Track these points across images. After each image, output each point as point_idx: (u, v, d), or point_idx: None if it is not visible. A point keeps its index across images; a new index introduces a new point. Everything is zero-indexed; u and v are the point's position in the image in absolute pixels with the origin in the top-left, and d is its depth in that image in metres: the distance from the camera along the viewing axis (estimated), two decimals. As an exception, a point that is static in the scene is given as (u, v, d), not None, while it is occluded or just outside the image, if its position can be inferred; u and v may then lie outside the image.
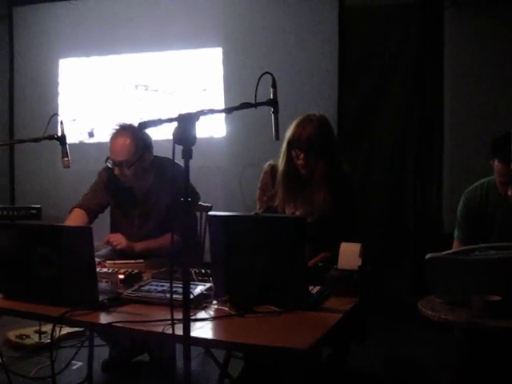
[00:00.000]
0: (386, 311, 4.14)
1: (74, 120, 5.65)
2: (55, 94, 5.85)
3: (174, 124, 1.68)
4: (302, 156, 2.75)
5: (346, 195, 2.81)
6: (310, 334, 1.79)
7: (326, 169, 2.77)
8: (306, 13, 4.93)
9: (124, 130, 3.04)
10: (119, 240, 2.99)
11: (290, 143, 2.77)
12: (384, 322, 4.03)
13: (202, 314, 2.03)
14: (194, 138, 1.66)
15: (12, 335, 3.86)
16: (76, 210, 3.14)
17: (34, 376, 3.30)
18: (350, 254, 2.29)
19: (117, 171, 3.03)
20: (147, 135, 3.07)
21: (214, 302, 2.14)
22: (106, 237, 3.01)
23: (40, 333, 3.79)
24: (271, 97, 2.17)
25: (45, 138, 3.00)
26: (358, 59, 4.96)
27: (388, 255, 4.78)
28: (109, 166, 3.07)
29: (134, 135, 3.00)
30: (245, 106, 2.00)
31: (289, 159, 2.81)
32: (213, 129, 5.11)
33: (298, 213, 2.83)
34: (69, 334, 3.75)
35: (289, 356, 1.72)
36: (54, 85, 5.87)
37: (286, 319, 1.97)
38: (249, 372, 2.81)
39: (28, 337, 3.84)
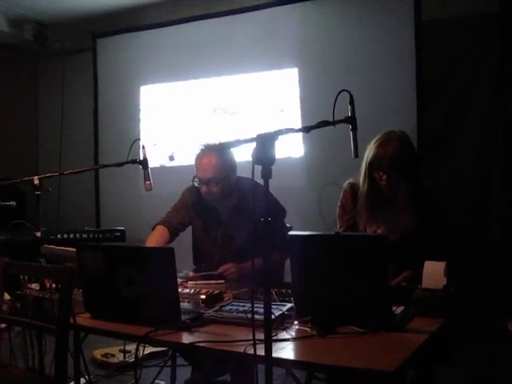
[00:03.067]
0: (473, 332, 3.98)
1: (154, 144, 5.81)
2: (137, 120, 6.04)
3: (253, 145, 1.69)
4: (384, 177, 2.70)
5: (430, 213, 2.74)
6: (394, 355, 1.75)
7: (409, 188, 2.70)
8: (381, 29, 4.88)
9: (210, 149, 3.08)
10: (233, 273, 2.97)
11: (371, 164, 2.72)
12: (471, 344, 3.87)
13: (283, 335, 2.01)
14: (273, 157, 1.66)
15: (98, 354, 3.98)
16: (159, 227, 3.19)
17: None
18: (434, 272, 2.22)
19: (204, 189, 3.06)
20: (232, 154, 3.11)
21: (296, 322, 2.12)
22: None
23: (124, 352, 3.88)
24: (349, 114, 2.15)
25: (128, 163, 3.10)
26: (436, 73, 4.86)
27: (474, 274, 4.61)
28: (195, 184, 3.11)
29: (220, 153, 3.03)
30: (323, 124, 1.99)
31: (371, 180, 2.76)
32: (290, 149, 5.12)
33: (379, 231, 2.77)
34: (152, 353, 3.81)
35: (373, 378, 1.68)
36: (135, 111, 6.07)
37: (369, 340, 1.93)
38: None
39: (113, 355, 3.94)
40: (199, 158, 3.09)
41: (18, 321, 2.45)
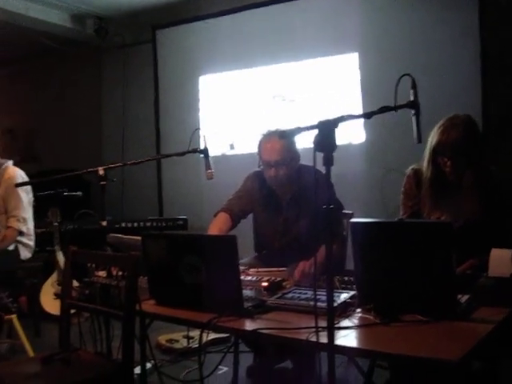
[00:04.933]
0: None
1: (215, 133, 5.85)
2: (196, 110, 6.11)
3: (313, 132, 1.68)
4: (448, 163, 2.63)
5: (496, 199, 2.66)
6: (459, 345, 1.71)
7: (474, 174, 2.64)
8: (444, 11, 4.76)
9: (275, 133, 3.10)
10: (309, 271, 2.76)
11: (435, 150, 2.66)
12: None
13: (345, 322, 2.00)
14: (335, 144, 1.65)
15: (163, 339, 4.06)
16: (221, 214, 3.22)
17: (183, 379, 3.45)
18: (501, 260, 2.16)
19: (272, 172, 3.07)
20: (294, 140, 3.12)
21: (358, 310, 2.11)
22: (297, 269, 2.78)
23: (188, 338, 3.95)
24: (411, 99, 2.11)
25: (189, 152, 3.14)
26: (502, 54, 4.69)
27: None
28: (260, 169, 3.14)
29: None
30: (384, 109, 1.96)
31: (435, 166, 2.70)
32: (351, 135, 5.07)
33: (444, 218, 2.71)
34: (215, 339, 3.87)
35: (438, 367, 1.65)
36: (195, 101, 6.13)
37: (433, 329, 1.89)
38: (395, 383, 2.73)
39: (177, 341, 4.02)
40: (266, 142, 3.10)
41: (87, 307, 2.53)
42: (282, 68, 5.56)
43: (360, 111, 4.97)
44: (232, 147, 5.86)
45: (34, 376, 2.23)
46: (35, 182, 4.20)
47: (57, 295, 3.84)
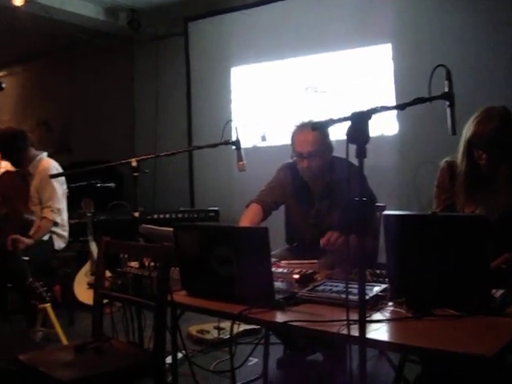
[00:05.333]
0: None
1: (246, 125, 5.86)
2: (228, 101, 6.11)
3: (345, 124, 1.67)
4: (484, 156, 2.59)
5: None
6: (493, 340, 1.68)
7: (510, 166, 2.59)
8: (478, 1, 4.67)
9: (308, 124, 3.08)
10: (337, 240, 2.84)
11: (470, 142, 2.62)
12: None
13: (377, 316, 1.99)
14: (368, 136, 1.63)
15: (194, 330, 4.09)
16: (253, 205, 3.22)
17: (214, 369, 3.47)
18: (537, 255, 2.13)
19: (305, 164, 3.06)
20: (327, 132, 3.11)
21: (390, 303, 2.09)
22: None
23: (219, 329, 3.97)
24: (446, 90, 2.07)
25: (221, 144, 3.14)
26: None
27: None
28: (292, 160, 3.14)
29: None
30: (418, 101, 1.92)
31: (469, 158, 2.66)
32: (384, 127, 5.02)
33: (478, 211, 2.67)
34: (246, 331, 3.88)
35: (471, 363, 1.63)
36: (226, 92, 6.14)
37: (466, 323, 1.86)
38: (426, 378, 2.70)
39: (208, 332, 4.04)
40: (298, 133, 3.10)
41: (119, 297, 2.57)
42: (314, 59, 5.52)
43: (393, 102, 4.91)
44: (263, 139, 5.85)
45: (68, 364, 2.27)
46: (69, 173, 4.25)
47: (90, 285, 3.90)
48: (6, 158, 4.58)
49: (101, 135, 7.70)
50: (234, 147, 3.14)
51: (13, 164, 4.57)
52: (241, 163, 3.13)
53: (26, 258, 3.84)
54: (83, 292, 4.77)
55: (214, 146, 3.17)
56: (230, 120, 3.29)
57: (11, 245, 3.98)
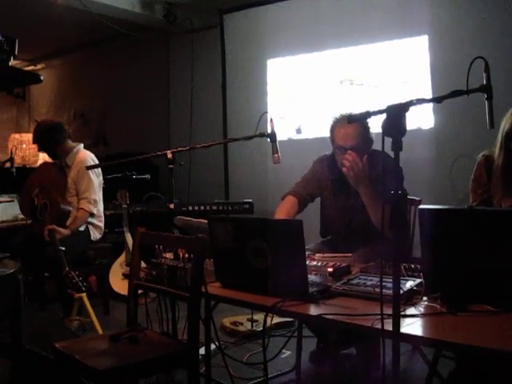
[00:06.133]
0: None
1: (282, 118, 5.84)
2: (264, 94, 6.10)
3: (380, 117, 1.66)
4: None
5: None
6: (530, 337, 1.66)
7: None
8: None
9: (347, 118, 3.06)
10: (357, 164, 2.94)
11: (507, 135, 2.58)
12: None
13: (411, 310, 1.97)
14: (404, 129, 1.62)
15: (227, 322, 4.12)
16: (289, 197, 3.23)
17: (247, 361, 3.49)
18: None
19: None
20: (368, 125, 3.08)
21: (424, 298, 2.07)
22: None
23: (252, 321, 3.99)
24: (484, 82, 2.04)
25: (256, 136, 3.14)
26: None
27: None
28: (329, 153, 3.12)
29: (361, 122, 3.02)
30: (456, 93, 1.89)
31: (507, 152, 2.61)
32: (420, 120, 4.96)
33: (516, 206, 2.63)
34: (279, 323, 3.89)
35: (507, 360, 1.61)
36: (262, 85, 6.13)
37: (502, 320, 1.84)
38: (460, 374, 2.67)
39: (241, 324, 4.07)
40: (339, 126, 3.08)
41: (154, 288, 2.59)
42: (350, 51, 5.48)
43: (430, 95, 4.84)
44: (299, 131, 5.83)
45: (103, 353, 2.30)
46: (105, 164, 4.30)
47: (125, 275, 3.94)
48: (43, 149, 4.66)
49: (137, 127, 7.78)
50: (268, 140, 3.13)
51: (50, 156, 4.65)
52: (276, 156, 3.13)
53: (63, 248, 3.90)
54: (118, 282, 4.84)
55: (249, 138, 3.17)
56: (266, 112, 3.27)
57: (48, 235, 4.06)
